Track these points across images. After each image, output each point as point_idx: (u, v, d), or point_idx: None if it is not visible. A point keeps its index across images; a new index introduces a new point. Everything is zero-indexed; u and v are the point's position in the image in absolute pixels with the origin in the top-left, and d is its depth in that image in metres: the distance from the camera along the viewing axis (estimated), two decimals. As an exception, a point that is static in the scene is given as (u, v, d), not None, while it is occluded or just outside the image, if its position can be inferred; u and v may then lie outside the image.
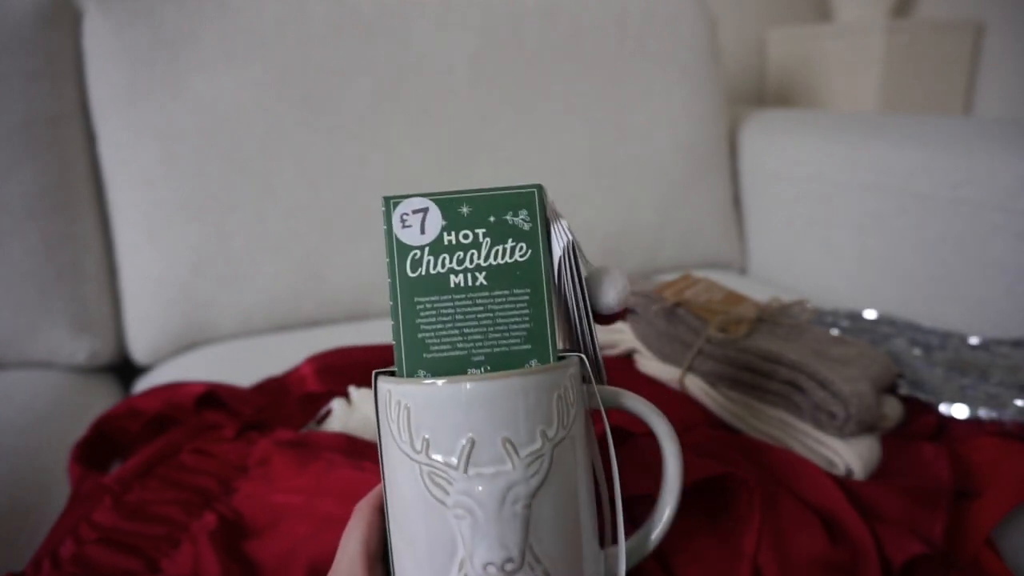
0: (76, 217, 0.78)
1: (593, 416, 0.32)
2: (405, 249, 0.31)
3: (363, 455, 0.47)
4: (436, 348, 0.31)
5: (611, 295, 0.32)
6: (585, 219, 0.94)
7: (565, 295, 0.32)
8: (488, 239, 0.31)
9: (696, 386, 0.53)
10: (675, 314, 0.56)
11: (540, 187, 0.32)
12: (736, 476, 0.40)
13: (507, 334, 0.31)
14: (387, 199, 0.31)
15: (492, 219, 0.31)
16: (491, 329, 0.31)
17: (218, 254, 0.79)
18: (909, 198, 0.81)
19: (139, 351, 0.80)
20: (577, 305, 0.32)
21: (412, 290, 0.31)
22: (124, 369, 0.84)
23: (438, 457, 0.28)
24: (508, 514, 0.27)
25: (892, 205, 0.83)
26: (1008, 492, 0.43)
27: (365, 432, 0.51)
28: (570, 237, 0.31)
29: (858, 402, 0.45)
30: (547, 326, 0.31)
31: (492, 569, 0.27)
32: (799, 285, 0.97)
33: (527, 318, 0.31)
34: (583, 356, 0.31)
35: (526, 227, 0.31)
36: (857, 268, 0.88)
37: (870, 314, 0.72)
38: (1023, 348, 0.62)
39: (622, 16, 0.95)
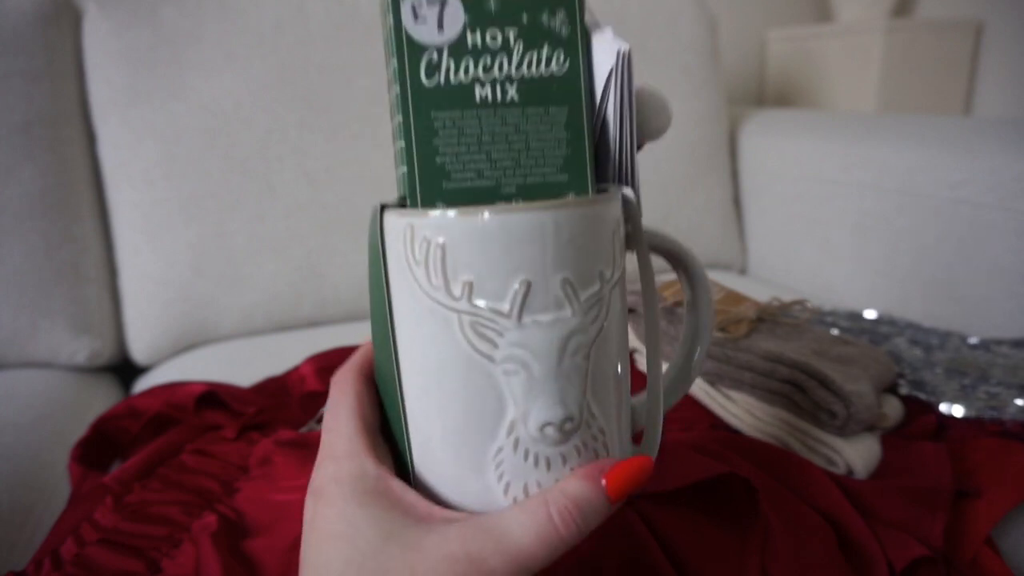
0: (76, 217, 0.78)
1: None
2: (418, 49, 0.25)
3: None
4: (458, 176, 0.25)
5: (663, 117, 0.28)
6: (585, 219, 0.94)
7: (607, 118, 0.27)
8: (521, 43, 0.26)
9: (696, 385, 0.53)
10: (675, 314, 0.56)
11: None
12: (738, 476, 0.40)
13: (542, 161, 0.26)
14: None
15: (525, 18, 0.25)
16: (524, 155, 0.26)
17: (218, 254, 0.79)
18: (909, 198, 0.81)
19: (139, 351, 0.80)
20: (621, 132, 0.26)
21: (428, 102, 0.25)
22: (124, 369, 0.84)
23: (483, 304, 0.23)
24: (569, 367, 0.24)
25: (892, 205, 0.83)
26: (1008, 492, 0.43)
27: (365, 432, 0.51)
28: (625, 47, 0.25)
29: (859, 401, 0.45)
30: (586, 153, 0.26)
31: (550, 430, 0.24)
32: (799, 285, 0.97)
33: (565, 143, 0.26)
34: (627, 191, 0.26)
35: (564, 31, 0.26)
36: (857, 268, 0.88)
37: (870, 314, 0.72)
38: (1023, 348, 0.62)
39: (622, 16, 0.95)
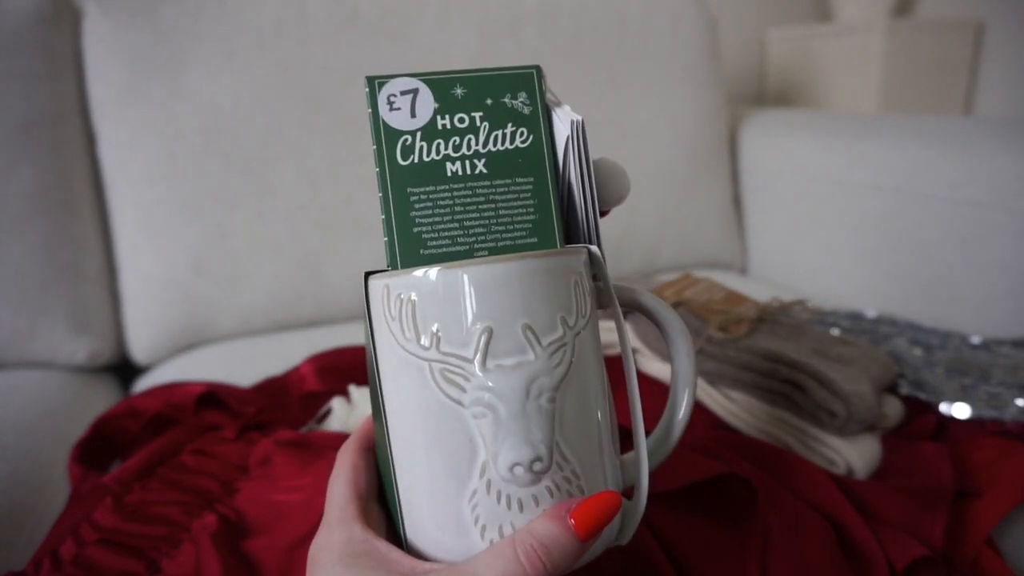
0: (76, 217, 0.78)
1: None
2: (394, 134, 0.28)
3: (364, 455, 0.47)
4: (434, 243, 0.28)
5: (622, 184, 0.30)
6: (585, 219, 0.94)
7: (571, 185, 0.29)
8: (486, 123, 0.29)
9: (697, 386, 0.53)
10: (675, 314, 0.56)
11: (538, 68, 0.30)
12: (738, 476, 0.40)
13: (511, 226, 0.28)
14: (370, 78, 0.28)
15: (489, 102, 0.29)
16: (494, 221, 0.28)
17: (218, 254, 0.79)
18: (909, 198, 0.81)
19: (139, 351, 0.80)
20: (584, 196, 0.29)
21: (404, 180, 0.28)
22: (124, 369, 0.84)
23: (451, 351, 0.25)
24: (533, 409, 0.25)
25: (892, 205, 0.83)
26: (1008, 492, 0.43)
27: (365, 432, 0.51)
28: (578, 119, 0.28)
29: (859, 401, 0.45)
30: (553, 217, 0.29)
31: (519, 470, 0.25)
32: (799, 285, 0.97)
33: (531, 209, 0.29)
34: (592, 248, 0.29)
35: (526, 110, 0.29)
36: (857, 268, 0.88)
37: (870, 314, 0.72)
38: (1023, 348, 0.62)
39: (622, 16, 0.95)
